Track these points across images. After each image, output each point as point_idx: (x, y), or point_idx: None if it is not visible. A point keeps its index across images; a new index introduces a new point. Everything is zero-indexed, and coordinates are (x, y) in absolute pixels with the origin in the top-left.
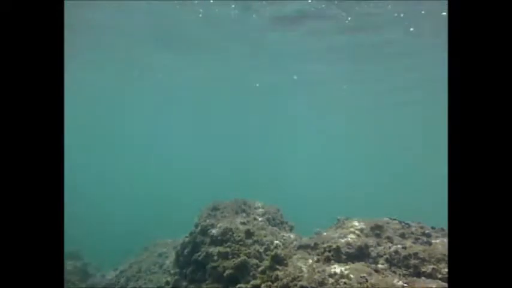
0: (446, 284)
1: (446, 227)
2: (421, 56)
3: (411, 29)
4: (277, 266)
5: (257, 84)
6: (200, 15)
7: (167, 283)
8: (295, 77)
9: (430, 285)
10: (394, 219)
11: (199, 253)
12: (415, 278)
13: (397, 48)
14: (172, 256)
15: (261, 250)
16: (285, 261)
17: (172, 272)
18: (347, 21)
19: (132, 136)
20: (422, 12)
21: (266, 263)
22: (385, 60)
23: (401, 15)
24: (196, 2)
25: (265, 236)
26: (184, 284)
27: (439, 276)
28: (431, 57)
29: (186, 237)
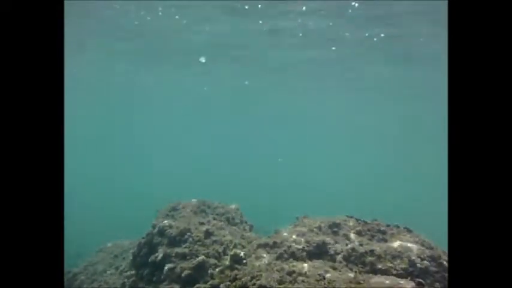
0: (400, 281)
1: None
2: None
3: None
4: (236, 266)
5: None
6: None
7: (123, 285)
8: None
9: (384, 281)
10: (351, 217)
11: (157, 254)
12: (371, 275)
13: None
14: (128, 257)
15: (220, 250)
16: (244, 261)
17: (128, 273)
18: None
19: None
20: None
21: (225, 262)
22: None
23: None
24: None
25: (224, 236)
26: (141, 285)
27: (394, 272)
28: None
29: (143, 238)
